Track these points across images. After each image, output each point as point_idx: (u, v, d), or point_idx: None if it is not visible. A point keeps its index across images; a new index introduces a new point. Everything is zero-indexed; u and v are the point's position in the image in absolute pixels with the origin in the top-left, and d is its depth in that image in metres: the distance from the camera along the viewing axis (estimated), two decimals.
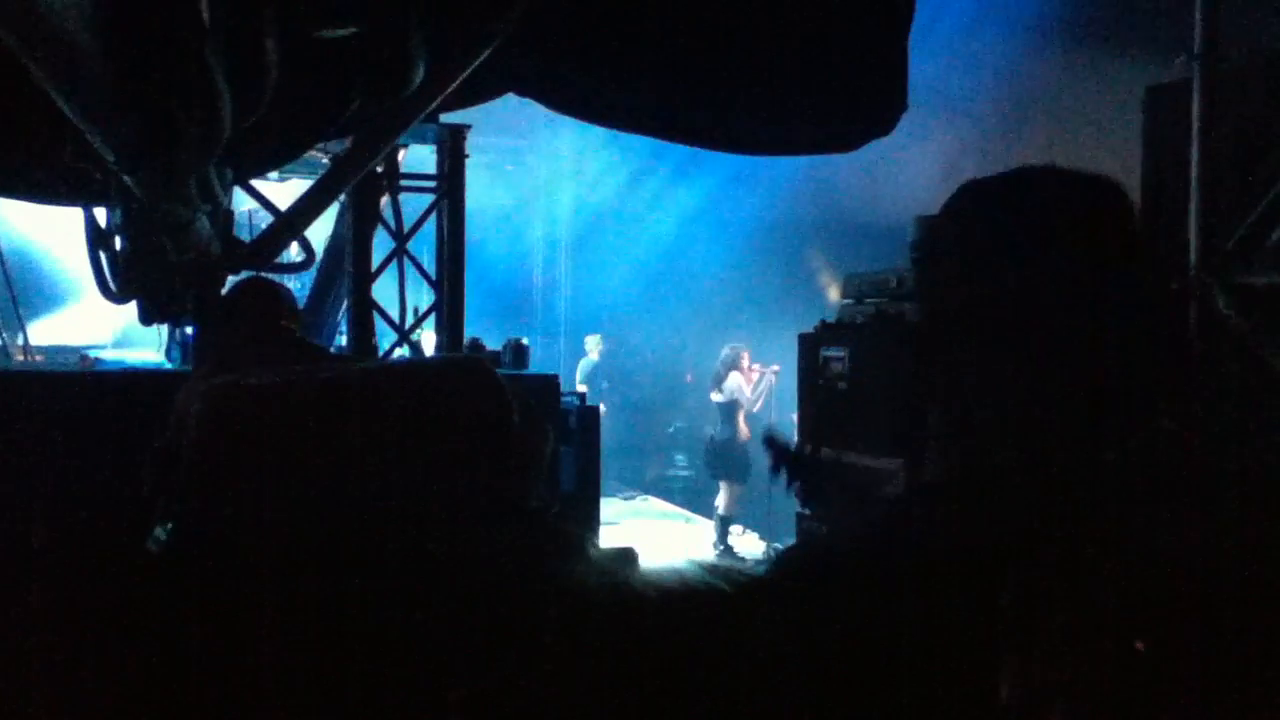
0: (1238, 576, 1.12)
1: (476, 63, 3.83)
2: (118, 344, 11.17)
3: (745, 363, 11.26)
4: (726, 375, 11.20)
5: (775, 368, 11.36)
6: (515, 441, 2.31)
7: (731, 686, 1.07)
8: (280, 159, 3.56)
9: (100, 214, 4.56)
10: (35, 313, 11.61)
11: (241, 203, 7.80)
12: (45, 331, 11.76)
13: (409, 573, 1.79)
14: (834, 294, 9.32)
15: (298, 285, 10.03)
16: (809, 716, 1.08)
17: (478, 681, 1.20)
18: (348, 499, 1.98)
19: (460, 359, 4.99)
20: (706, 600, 1.19)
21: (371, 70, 2.66)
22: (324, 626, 1.74)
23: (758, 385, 11.42)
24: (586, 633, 1.16)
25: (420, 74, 2.75)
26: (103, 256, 4.48)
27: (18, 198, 4.45)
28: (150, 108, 1.99)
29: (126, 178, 2.43)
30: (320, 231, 7.90)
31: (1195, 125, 5.71)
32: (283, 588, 1.74)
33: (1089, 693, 1.12)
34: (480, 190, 12.91)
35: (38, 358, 9.91)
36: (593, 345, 14.07)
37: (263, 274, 4.51)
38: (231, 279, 4.49)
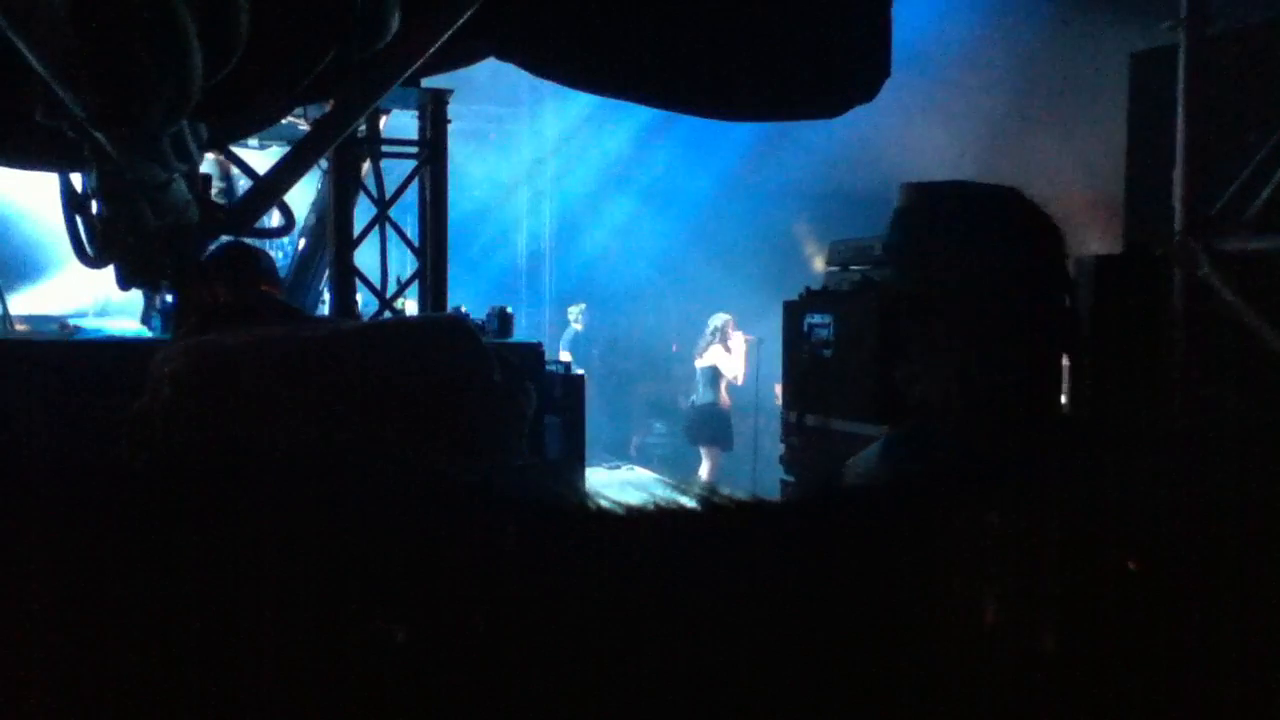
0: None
1: (458, 22, 3.78)
2: (100, 313, 11.08)
3: (732, 330, 11.27)
4: (711, 344, 11.21)
5: (749, 338, 11.39)
6: (497, 399, 2.30)
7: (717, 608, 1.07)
8: (257, 119, 3.52)
9: (77, 179, 4.51)
10: (17, 283, 11.52)
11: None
12: (28, 301, 11.68)
13: (387, 530, 1.75)
14: (820, 264, 9.30)
15: (280, 256, 9.99)
16: (799, 640, 1.08)
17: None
18: (325, 455, 1.96)
19: (441, 317, 4.97)
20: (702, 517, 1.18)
21: (345, 18, 2.62)
22: (300, 586, 1.71)
23: (744, 355, 11.43)
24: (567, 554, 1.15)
25: (395, 22, 2.71)
26: (80, 222, 4.43)
27: None
28: (119, 59, 1.95)
29: (98, 135, 2.39)
30: (303, 199, 7.86)
31: (1181, 91, 5.70)
32: (258, 548, 1.71)
33: (1084, 614, 1.12)
34: (465, 159, 12.84)
35: (20, 327, 9.84)
36: (575, 315, 14.01)
37: (242, 239, 4.48)
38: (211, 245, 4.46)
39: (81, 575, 1.23)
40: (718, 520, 1.20)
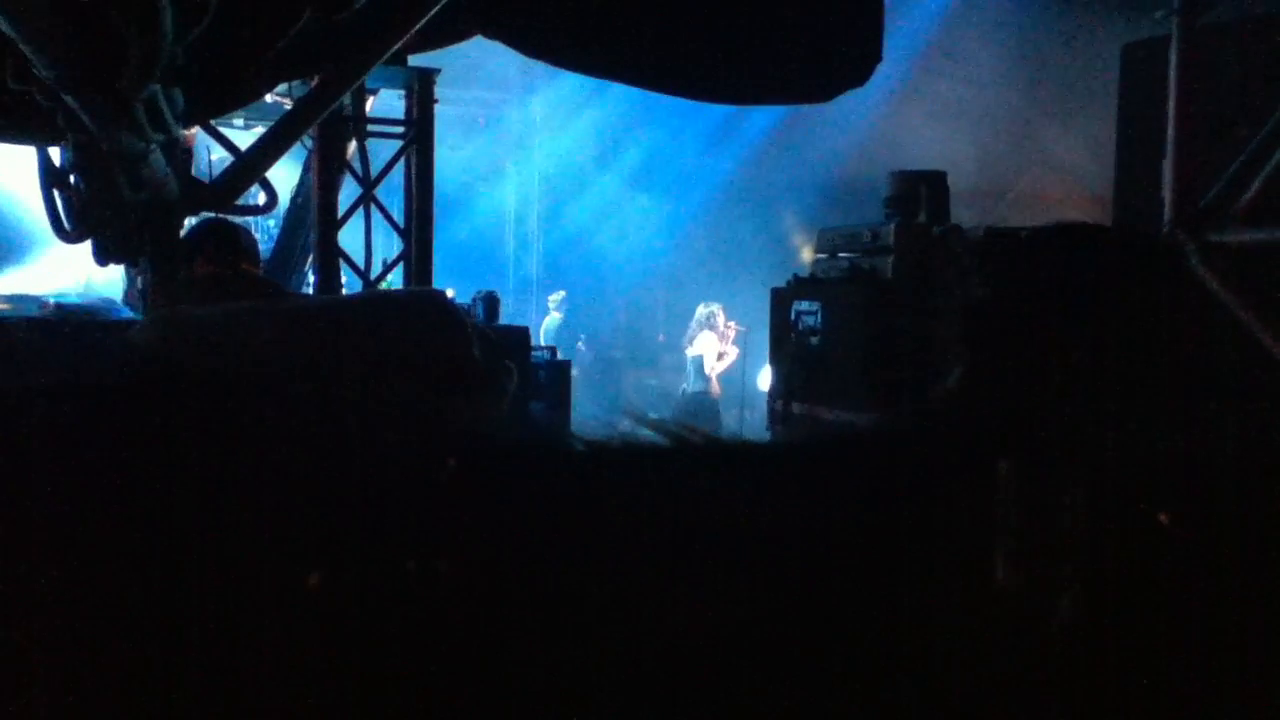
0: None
1: (441, 1, 3.73)
2: (84, 292, 11.01)
3: (720, 320, 11.25)
4: (699, 332, 11.19)
5: (735, 325, 11.38)
6: (475, 374, 2.25)
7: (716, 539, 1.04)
8: (237, 89, 3.46)
9: (56, 154, 4.44)
10: (2, 262, 11.46)
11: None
12: (13, 281, 11.62)
13: (365, 507, 1.72)
14: (808, 253, 9.28)
15: (264, 236, 9.91)
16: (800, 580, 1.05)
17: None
18: (299, 428, 1.92)
19: (420, 291, 4.92)
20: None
21: None
22: (275, 571, 1.68)
23: (732, 343, 11.41)
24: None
25: None
26: (58, 196, 4.36)
27: None
28: (88, 19, 1.90)
29: (70, 100, 2.33)
30: (289, 180, 7.79)
31: (1171, 83, 5.67)
32: (229, 525, 1.68)
33: (1099, 582, 1.09)
34: (453, 143, 12.76)
35: (3, 306, 9.76)
36: (555, 303, 13.93)
37: (223, 216, 4.42)
38: (192, 221, 4.41)
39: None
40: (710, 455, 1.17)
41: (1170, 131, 5.61)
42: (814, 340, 6.45)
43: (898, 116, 11.28)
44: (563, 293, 14.01)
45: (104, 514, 1.52)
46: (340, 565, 1.23)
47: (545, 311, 14.28)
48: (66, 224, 4.34)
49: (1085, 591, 1.08)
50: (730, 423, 11.66)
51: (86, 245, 4.31)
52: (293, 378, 2.04)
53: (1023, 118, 11.37)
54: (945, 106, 11.56)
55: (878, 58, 5.21)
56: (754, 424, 12.35)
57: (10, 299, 10.56)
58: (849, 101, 5.82)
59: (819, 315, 6.40)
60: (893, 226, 6.17)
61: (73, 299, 8.62)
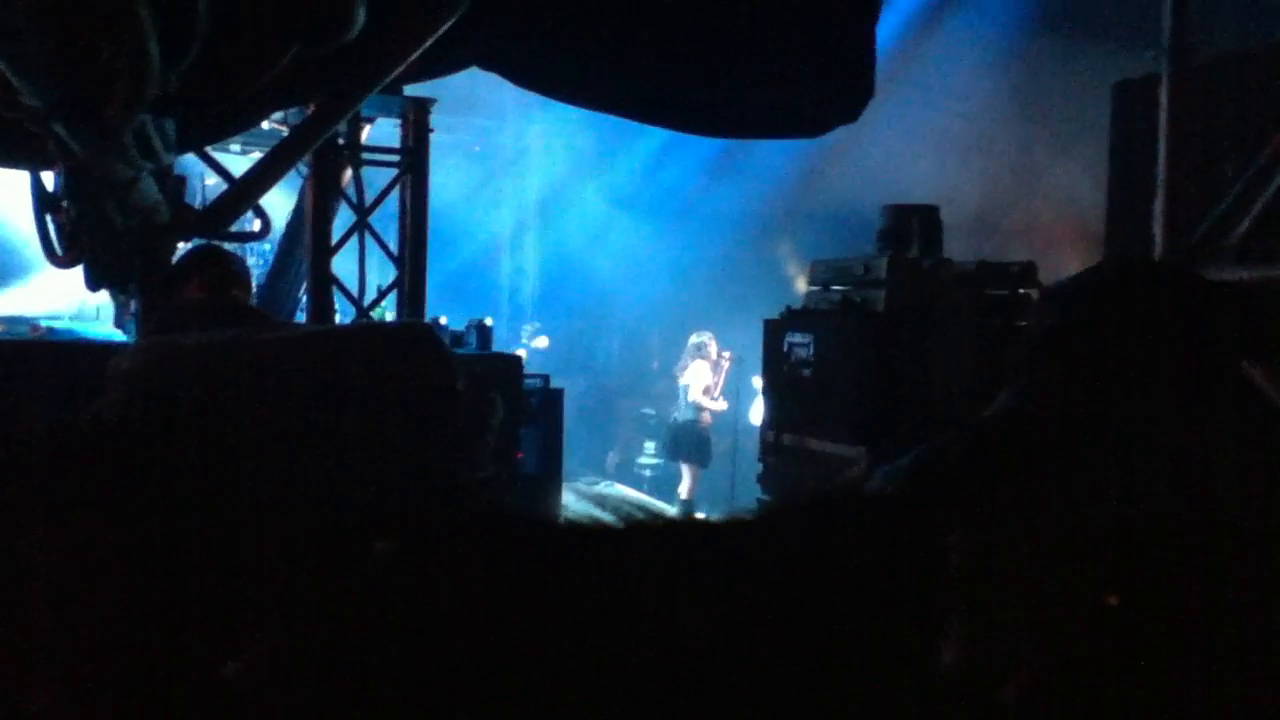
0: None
1: (439, 30, 3.75)
2: (76, 316, 10.99)
3: (713, 350, 11.27)
4: (691, 361, 11.22)
5: (728, 355, 11.43)
6: (459, 408, 2.25)
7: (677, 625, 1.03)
8: (227, 118, 3.47)
9: (49, 179, 4.45)
10: None
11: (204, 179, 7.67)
12: (4, 303, 11.59)
13: (341, 537, 1.71)
14: (802, 284, 9.31)
15: (259, 262, 9.91)
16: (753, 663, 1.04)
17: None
18: (279, 462, 1.91)
19: (406, 324, 4.91)
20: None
21: (306, 9, 2.57)
22: (249, 592, 1.65)
23: (722, 374, 11.43)
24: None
25: (360, 17, 2.67)
26: (50, 221, 4.37)
27: None
28: (75, 50, 1.90)
29: (58, 128, 2.34)
30: (284, 208, 7.80)
31: (1163, 120, 5.72)
32: (210, 550, 1.66)
33: (1051, 669, 1.08)
34: (447, 171, 12.80)
35: None
36: (529, 333, 14.00)
37: (215, 243, 4.42)
38: (184, 247, 4.40)
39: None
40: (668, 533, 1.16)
41: (1161, 169, 5.65)
42: (806, 372, 6.45)
43: (894, 149, 11.34)
44: (537, 324, 14.11)
45: (86, 544, 1.51)
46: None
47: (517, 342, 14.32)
48: (58, 248, 4.34)
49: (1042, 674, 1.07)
50: (721, 452, 11.66)
51: (78, 270, 4.31)
52: (276, 408, 2.04)
53: (1018, 152, 11.45)
54: (942, 140, 11.63)
55: (869, 93, 5.24)
56: (747, 452, 12.34)
57: (2, 320, 10.55)
58: (846, 133, 5.85)
59: (811, 347, 6.40)
60: (885, 260, 6.18)
61: (64, 323, 8.62)
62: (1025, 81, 11.04)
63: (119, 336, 6.87)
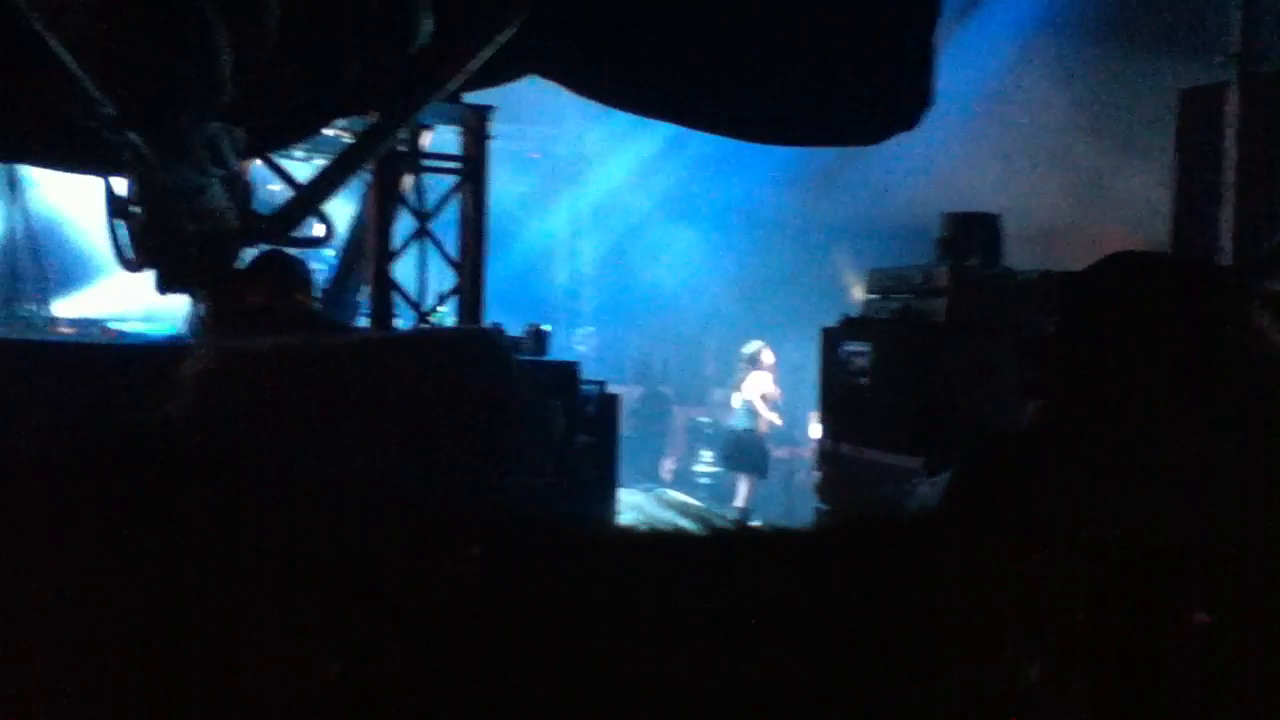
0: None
1: (499, 39, 3.80)
2: (146, 318, 11.23)
3: (766, 359, 11.26)
4: (746, 371, 11.20)
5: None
6: (519, 415, 2.27)
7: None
8: (294, 126, 3.54)
9: (120, 184, 4.57)
10: (67, 286, 11.70)
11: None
12: (77, 305, 11.86)
13: (405, 543, 1.74)
14: (860, 293, 9.26)
15: (323, 268, 10.06)
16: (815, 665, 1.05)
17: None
18: (342, 463, 1.94)
19: (467, 330, 4.96)
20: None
21: (371, 21, 2.62)
22: (310, 593, 1.69)
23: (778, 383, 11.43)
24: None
25: (426, 29, 2.71)
26: (121, 226, 4.48)
27: (36, 163, 4.46)
28: (148, 59, 1.96)
29: (132, 135, 2.41)
30: (346, 212, 7.91)
31: (1230, 128, 5.61)
32: (271, 552, 1.69)
33: (1104, 674, 1.07)
34: (507, 178, 12.90)
35: (66, 330, 9.99)
36: (581, 338, 14.06)
37: (280, 248, 4.50)
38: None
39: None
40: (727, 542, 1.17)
41: (1228, 177, 5.54)
42: (863, 381, 6.40)
43: (954, 157, 11.24)
44: (591, 328, 14.14)
45: (149, 544, 1.54)
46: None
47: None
48: (129, 253, 4.46)
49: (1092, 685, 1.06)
50: (777, 460, 11.63)
51: (148, 273, 4.42)
52: (340, 412, 2.08)
53: (1083, 161, 11.29)
54: (1006, 149, 11.51)
55: (928, 102, 5.21)
56: (804, 462, 12.28)
57: (74, 323, 10.81)
58: (905, 141, 5.82)
59: (868, 356, 6.36)
60: (945, 268, 6.12)
61: (134, 325, 8.81)
62: (1090, 90, 10.89)
63: (187, 339, 7.01)
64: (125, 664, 1.49)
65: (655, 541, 1.10)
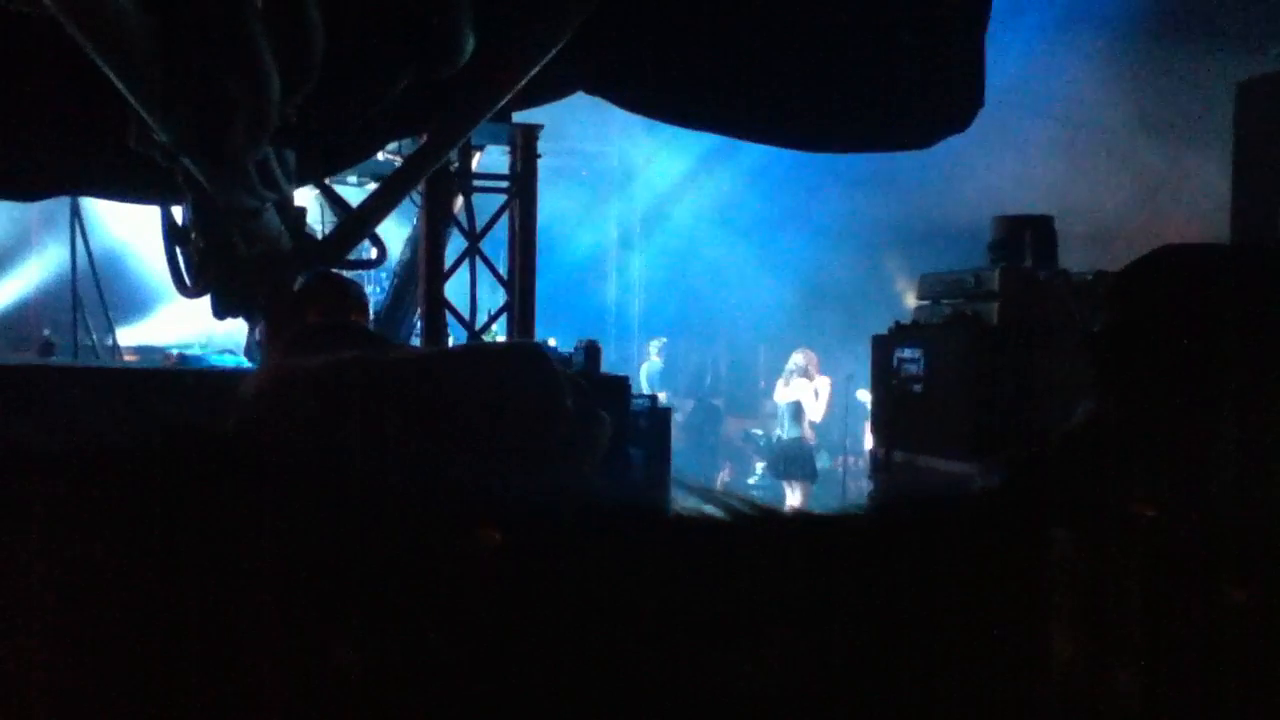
0: None
1: (546, 57, 3.82)
2: (205, 345, 11.46)
3: (814, 367, 11.23)
4: (792, 380, 11.19)
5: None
6: (568, 425, 2.29)
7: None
8: (345, 149, 3.59)
9: (178, 212, 4.66)
10: (129, 315, 11.99)
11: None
12: (138, 333, 12.14)
13: (452, 558, 1.75)
14: (911, 300, 9.18)
15: (376, 290, 10.20)
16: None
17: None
18: (395, 480, 1.97)
19: (515, 344, 4.99)
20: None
21: (417, 38, 2.65)
22: (354, 609, 1.70)
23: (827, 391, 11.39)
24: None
25: (469, 44, 2.74)
26: (179, 253, 4.57)
27: (98, 193, 4.56)
28: (199, 85, 2.01)
29: (186, 161, 2.46)
30: (400, 236, 8.02)
31: None
32: (322, 566, 1.71)
33: (1162, 655, 1.06)
34: (555, 194, 13.00)
35: (128, 357, 10.23)
36: (655, 349, 14.06)
37: (334, 271, 4.57)
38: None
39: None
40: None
41: None
42: (916, 387, 6.35)
43: (1009, 160, 11.13)
44: (663, 339, 14.12)
45: (203, 558, 1.56)
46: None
47: (645, 357, 14.38)
48: (187, 279, 4.55)
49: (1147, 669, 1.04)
50: (827, 468, 11.58)
51: (206, 299, 4.51)
52: (392, 428, 2.11)
53: (1137, 159, 11.12)
54: (1060, 150, 11.38)
55: (979, 103, 5.15)
56: (854, 470, 12.18)
57: (136, 350, 11.06)
58: (953, 145, 5.77)
59: (921, 362, 6.31)
60: (997, 272, 6.06)
61: (195, 350, 8.98)
62: (1143, 87, 10.74)
63: (245, 364, 7.13)
64: (183, 668, 1.52)
65: (708, 527, 1.10)
